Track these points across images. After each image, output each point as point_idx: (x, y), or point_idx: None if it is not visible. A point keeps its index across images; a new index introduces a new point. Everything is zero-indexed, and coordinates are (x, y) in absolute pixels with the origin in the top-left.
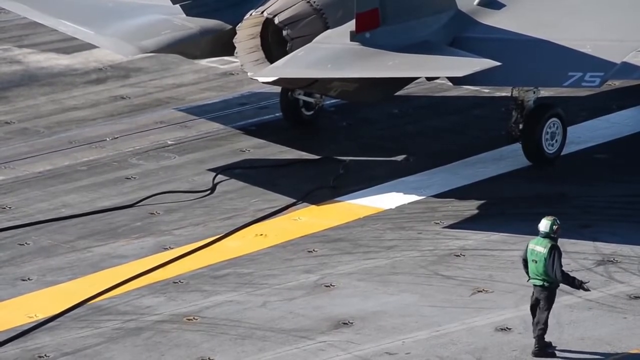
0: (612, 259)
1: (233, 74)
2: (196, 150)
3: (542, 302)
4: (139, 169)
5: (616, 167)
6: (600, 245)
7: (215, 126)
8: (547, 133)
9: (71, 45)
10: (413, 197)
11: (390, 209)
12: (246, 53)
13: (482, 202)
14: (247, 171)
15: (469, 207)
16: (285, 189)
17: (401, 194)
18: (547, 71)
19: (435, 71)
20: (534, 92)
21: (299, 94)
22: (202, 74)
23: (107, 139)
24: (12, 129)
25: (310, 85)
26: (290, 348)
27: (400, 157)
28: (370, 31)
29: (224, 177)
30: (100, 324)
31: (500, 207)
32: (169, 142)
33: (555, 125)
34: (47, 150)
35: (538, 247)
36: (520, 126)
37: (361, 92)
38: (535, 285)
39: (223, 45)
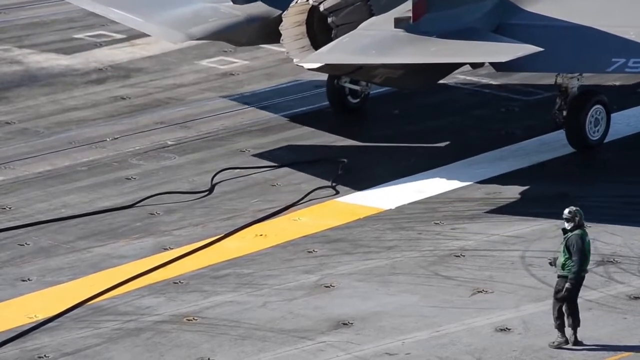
0: (612, 260)
1: (233, 74)
2: (196, 150)
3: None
4: (139, 169)
5: (616, 167)
6: (600, 245)
7: (215, 126)
8: (591, 120)
9: (71, 46)
10: (413, 197)
11: (390, 209)
12: (292, 40)
13: (482, 202)
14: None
15: (469, 207)
16: (285, 190)
17: (401, 194)
18: (590, 57)
19: (478, 57)
20: (578, 79)
21: (345, 82)
22: (202, 74)
23: (107, 139)
24: (12, 129)
25: (355, 72)
26: (290, 348)
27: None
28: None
29: (223, 178)
30: (100, 324)
31: (501, 207)
32: (169, 143)
33: (599, 112)
34: (47, 151)
35: (589, 238)
36: (564, 113)
37: (405, 79)
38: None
39: (269, 32)
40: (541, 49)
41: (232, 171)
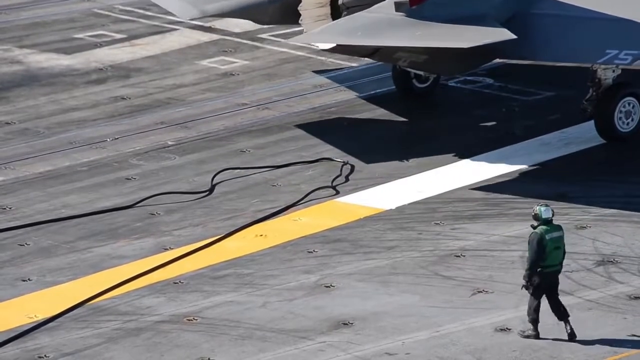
0: (612, 260)
1: (233, 74)
2: (196, 150)
3: (557, 287)
4: (139, 169)
5: (616, 167)
6: (600, 245)
7: (216, 126)
8: (621, 111)
9: (72, 46)
10: (413, 198)
11: (391, 209)
12: (313, 21)
13: (482, 202)
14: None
15: (469, 207)
16: (285, 190)
17: (401, 194)
18: (584, 47)
19: (442, 42)
20: (614, 71)
21: (405, 66)
22: (203, 74)
23: (108, 140)
24: (13, 130)
25: (374, 54)
26: (290, 348)
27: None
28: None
29: (223, 178)
30: (100, 324)
31: (500, 207)
32: (169, 143)
33: (632, 104)
34: (48, 151)
35: (556, 234)
36: (594, 104)
37: (432, 64)
38: (552, 273)
39: (293, 12)
40: (514, 36)
41: (232, 171)
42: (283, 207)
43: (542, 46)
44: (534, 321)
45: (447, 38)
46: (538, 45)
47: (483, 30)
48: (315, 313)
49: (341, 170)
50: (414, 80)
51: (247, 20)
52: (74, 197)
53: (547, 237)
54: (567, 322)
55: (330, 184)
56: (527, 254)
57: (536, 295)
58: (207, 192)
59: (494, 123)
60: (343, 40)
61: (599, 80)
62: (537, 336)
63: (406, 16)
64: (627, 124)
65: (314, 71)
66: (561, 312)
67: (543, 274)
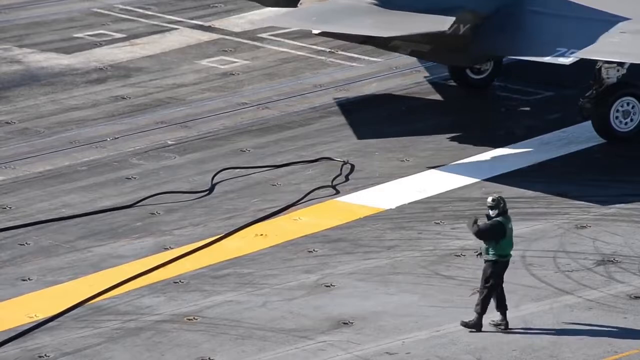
0: (612, 259)
1: (233, 74)
2: (197, 150)
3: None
4: (139, 169)
5: (616, 167)
6: (601, 245)
7: (216, 126)
8: (618, 111)
9: (72, 45)
10: (413, 197)
11: (391, 209)
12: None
13: (483, 202)
14: (247, 171)
15: (469, 207)
16: (285, 190)
17: (401, 194)
18: (535, 43)
19: (367, 30)
20: (618, 70)
21: (409, 55)
22: (203, 74)
23: (108, 139)
24: (13, 129)
25: (366, 41)
26: (290, 348)
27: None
28: None
29: (223, 178)
30: (100, 323)
31: None
32: (170, 142)
33: (630, 104)
34: (48, 150)
35: (511, 224)
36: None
37: (434, 54)
38: (507, 262)
39: None
40: (445, 28)
41: (232, 171)
42: (283, 206)
43: (508, 41)
44: (504, 311)
45: (378, 27)
46: (505, 40)
47: (425, 19)
48: (315, 312)
49: (341, 169)
50: (468, 72)
51: (247, 20)
52: (74, 197)
53: (509, 226)
54: (504, 313)
55: (330, 184)
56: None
57: (497, 285)
58: (207, 192)
59: (493, 123)
60: (299, 24)
61: (602, 79)
62: (507, 325)
63: (375, 3)
64: (626, 123)
65: (313, 71)
66: (503, 303)
67: (501, 263)
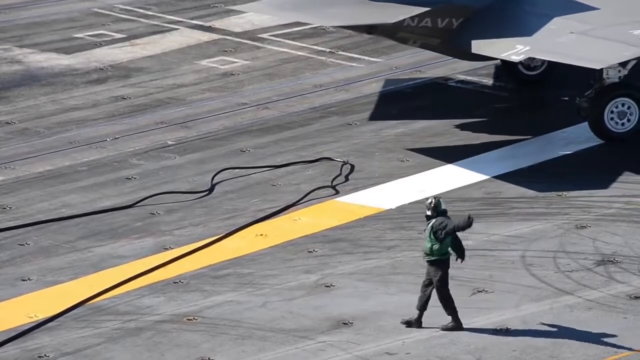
0: (612, 259)
1: (233, 74)
2: (197, 150)
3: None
4: (139, 169)
5: (616, 166)
6: (601, 245)
7: (216, 126)
8: (613, 111)
9: (72, 45)
10: (413, 197)
11: (391, 209)
12: None
13: (482, 202)
14: (247, 171)
15: (469, 207)
16: (286, 190)
17: (401, 194)
18: (495, 41)
19: (318, 20)
20: (619, 71)
21: (419, 47)
22: (203, 74)
23: (108, 139)
24: (13, 129)
25: (371, 31)
26: (290, 348)
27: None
28: None
29: (223, 178)
30: (100, 324)
31: (500, 207)
32: (170, 143)
33: (626, 105)
34: (48, 151)
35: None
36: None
37: (443, 47)
38: (448, 260)
39: None
40: (390, 21)
41: (232, 171)
42: (282, 207)
43: (474, 37)
44: (454, 311)
45: (337, 17)
46: (472, 36)
47: (383, 11)
48: (315, 313)
49: (341, 169)
50: (519, 67)
51: (247, 21)
52: (74, 197)
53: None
54: (422, 315)
55: (330, 184)
56: (448, 227)
57: (445, 285)
58: (207, 192)
59: (494, 123)
60: (274, 13)
61: (602, 79)
62: (460, 326)
63: None
64: (623, 124)
65: (313, 71)
66: (425, 304)
67: (445, 261)
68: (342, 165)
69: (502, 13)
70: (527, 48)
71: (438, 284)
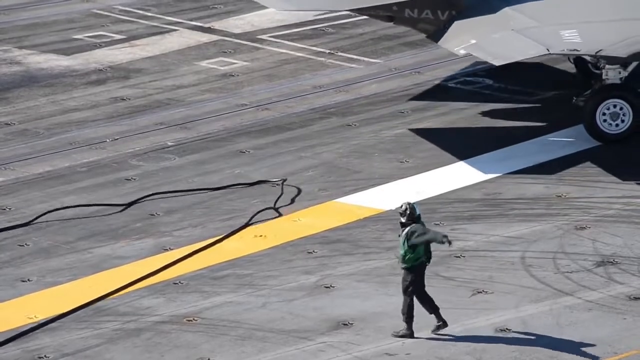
0: (611, 260)
1: (233, 75)
2: (196, 151)
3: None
4: (139, 170)
5: (615, 167)
6: (600, 246)
7: (215, 127)
8: (605, 113)
9: (71, 47)
10: (413, 198)
11: (391, 209)
12: None
13: (482, 202)
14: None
15: (469, 208)
16: (286, 190)
17: (401, 194)
18: (453, 36)
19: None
20: (620, 72)
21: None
22: (202, 75)
23: (107, 140)
24: (12, 130)
25: (392, 19)
26: (290, 349)
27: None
28: None
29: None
30: (100, 324)
31: (500, 208)
32: (169, 144)
33: (618, 106)
34: (47, 152)
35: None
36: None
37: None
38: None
39: None
40: (344, 9)
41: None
42: (230, 232)
43: (443, 32)
44: (410, 319)
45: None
46: (442, 31)
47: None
48: (315, 313)
49: (282, 189)
50: (589, 65)
51: (247, 22)
52: (73, 198)
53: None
54: (438, 314)
55: (272, 206)
56: (422, 238)
57: (414, 291)
58: (124, 207)
59: (494, 123)
60: (289, 6)
61: (602, 79)
62: (412, 334)
63: None
64: (617, 125)
65: (313, 72)
66: (433, 304)
67: (417, 266)
68: (282, 184)
69: (485, 9)
70: (473, 42)
71: (409, 287)
